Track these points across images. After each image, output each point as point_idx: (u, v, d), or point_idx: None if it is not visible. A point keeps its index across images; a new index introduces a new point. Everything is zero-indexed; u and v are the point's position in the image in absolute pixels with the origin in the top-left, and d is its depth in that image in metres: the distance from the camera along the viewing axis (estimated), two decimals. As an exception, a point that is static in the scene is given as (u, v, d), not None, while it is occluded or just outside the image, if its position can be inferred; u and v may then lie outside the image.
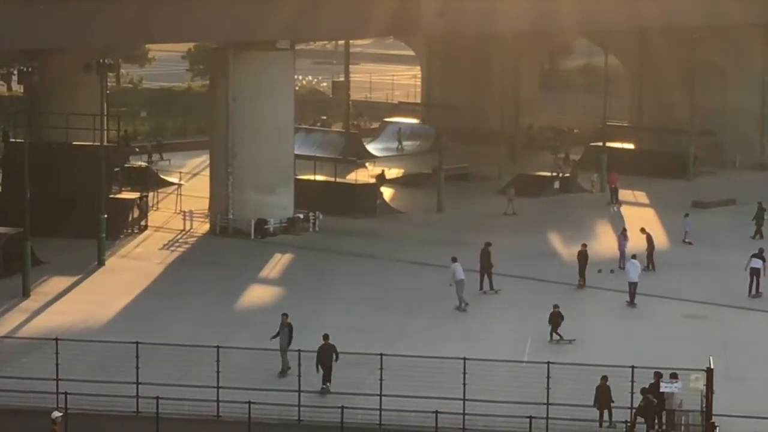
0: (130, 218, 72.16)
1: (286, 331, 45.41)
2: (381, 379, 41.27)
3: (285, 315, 46.13)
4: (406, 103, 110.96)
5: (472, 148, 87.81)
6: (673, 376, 41.74)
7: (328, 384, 45.50)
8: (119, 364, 43.40)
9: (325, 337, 45.34)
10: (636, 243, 64.69)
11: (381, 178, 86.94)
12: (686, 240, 69.81)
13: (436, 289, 58.60)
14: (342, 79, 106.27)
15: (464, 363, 40.98)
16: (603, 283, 60.84)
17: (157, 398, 38.96)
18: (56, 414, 37.89)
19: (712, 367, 40.74)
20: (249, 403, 39.75)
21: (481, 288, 59.55)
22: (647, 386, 41.76)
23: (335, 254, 66.47)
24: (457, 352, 43.04)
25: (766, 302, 58.57)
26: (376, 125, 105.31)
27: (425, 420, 39.00)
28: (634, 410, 41.74)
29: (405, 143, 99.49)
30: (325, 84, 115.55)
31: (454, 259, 57.81)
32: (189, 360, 43.51)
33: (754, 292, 60.41)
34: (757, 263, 60.75)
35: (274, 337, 45.65)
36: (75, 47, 75.66)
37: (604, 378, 41.77)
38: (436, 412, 38.80)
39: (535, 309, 53.79)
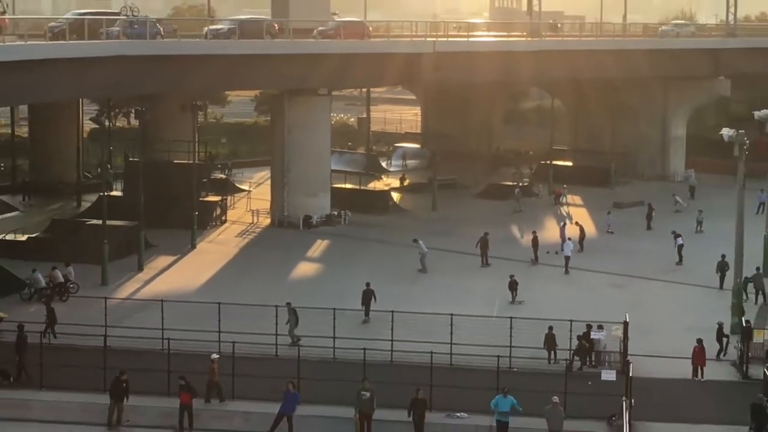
0: (214, 215, 72.30)
1: (293, 314, 44.98)
2: (392, 329, 41.98)
3: (289, 303, 45.40)
4: (410, 133, 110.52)
5: (457, 164, 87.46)
6: (600, 327, 42.33)
7: (368, 317, 48.44)
8: (206, 318, 43.84)
9: (367, 284, 49.56)
10: (572, 232, 64.93)
11: (402, 181, 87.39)
12: (609, 230, 69.75)
13: (431, 266, 58.70)
14: (364, 116, 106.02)
15: (451, 318, 41.71)
16: (550, 261, 60.84)
17: (234, 342, 39.33)
18: (214, 356, 38.76)
19: (627, 321, 41.09)
20: (298, 345, 40.41)
21: (482, 264, 60.21)
22: (581, 334, 42.12)
23: (359, 240, 66.48)
24: (446, 310, 43.53)
25: (668, 274, 59.19)
26: (389, 149, 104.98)
27: (423, 358, 39.14)
28: (572, 351, 42.08)
29: (408, 162, 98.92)
30: (352, 119, 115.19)
31: (416, 240, 59.99)
32: (256, 315, 43.75)
33: (679, 261, 61.52)
34: (681, 240, 61.74)
35: (288, 322, 44.74)
36: (175, 93, 76.13)
37: (551, 328, 42.16)
38: (431, 353, 39.07)
39: (502, 279, 53.82)
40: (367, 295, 49.11)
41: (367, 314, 48.79)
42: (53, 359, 40.43)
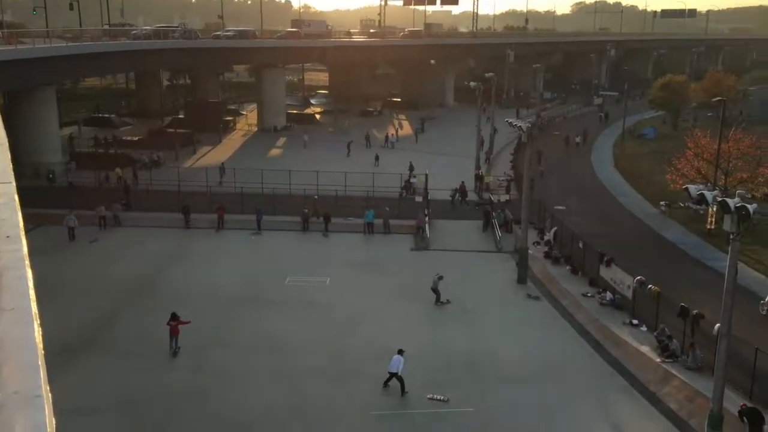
0: (230, 126, 67.57)
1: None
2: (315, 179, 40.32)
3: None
4: (323, 86, 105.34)
5: (345, 101, 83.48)
6: (415, 176, 41.57)
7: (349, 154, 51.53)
8: (230, 176, 41.58)
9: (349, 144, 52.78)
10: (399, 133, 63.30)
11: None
12: (416, 131, 67.57)
13: (334, 148, 56.25)
14: (301, 77, 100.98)
15: (345, 173, 40.44)
16: (390, 145, 59.44)
17: (259, 184, 37.49)
18: (316, 197, 37.23)
19: (427, 172, 40.42)
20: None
21: (366, 147, 56.86)
22: (407, 179, 41.33)
23: (299, 138, 61.85)
24: (347, 169, 42.07)
25: (447, 151, 57.26)
26: (312, 93, 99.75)
27: (333, 192, 38.46)
28: (402, 187, 41.41)
29: (322, 100, 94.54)
30: (295, 79, 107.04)
31: (305, 134, 57.98)
32: (249, 171, 41.16)
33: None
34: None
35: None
36: (207, 67, 71.22)
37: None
38: (336, 190, 38.53)
39: (370, 155, 52.53)
40: (348, 146, 52.82)
41: (348, 155, 51.17)
42: (152, 196, 39.28)
